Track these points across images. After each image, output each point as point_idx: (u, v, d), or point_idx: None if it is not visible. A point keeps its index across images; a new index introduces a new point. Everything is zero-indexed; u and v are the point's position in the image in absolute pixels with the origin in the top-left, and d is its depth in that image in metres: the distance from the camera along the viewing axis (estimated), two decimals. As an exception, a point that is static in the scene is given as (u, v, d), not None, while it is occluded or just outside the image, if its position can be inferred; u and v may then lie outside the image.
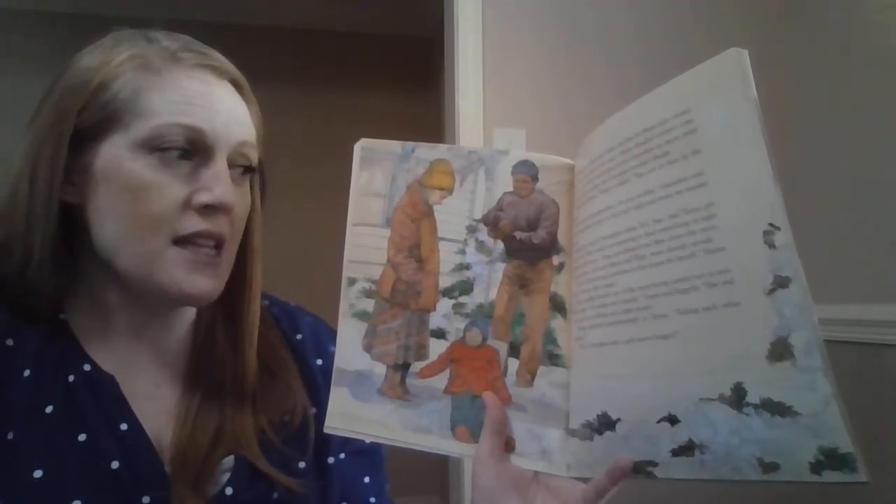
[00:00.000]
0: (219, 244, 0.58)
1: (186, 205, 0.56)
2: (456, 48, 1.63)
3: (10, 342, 0.56)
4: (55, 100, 0.57)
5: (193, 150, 0.56)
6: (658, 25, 1.71)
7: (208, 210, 0.57)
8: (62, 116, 0.56)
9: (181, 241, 0.56)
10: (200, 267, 0.57)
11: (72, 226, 0.58)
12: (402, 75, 3.28)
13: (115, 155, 0.56)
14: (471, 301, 0.58)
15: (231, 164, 0.59)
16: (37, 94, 0.59)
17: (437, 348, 0.58)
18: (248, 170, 0.62)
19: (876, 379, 1.36)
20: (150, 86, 0.56)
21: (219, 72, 0.60)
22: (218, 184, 0.56)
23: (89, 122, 0.56)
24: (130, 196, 0.55)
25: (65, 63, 0.59)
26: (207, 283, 0.58)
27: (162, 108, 0.55)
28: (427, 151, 0.60)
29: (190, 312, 0.66)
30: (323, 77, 3.21)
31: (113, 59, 0.57)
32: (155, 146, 0.55)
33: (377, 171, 0.60)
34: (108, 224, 0.57)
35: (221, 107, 0.58)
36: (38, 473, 0.52)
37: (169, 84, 0.56)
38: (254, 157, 0.62)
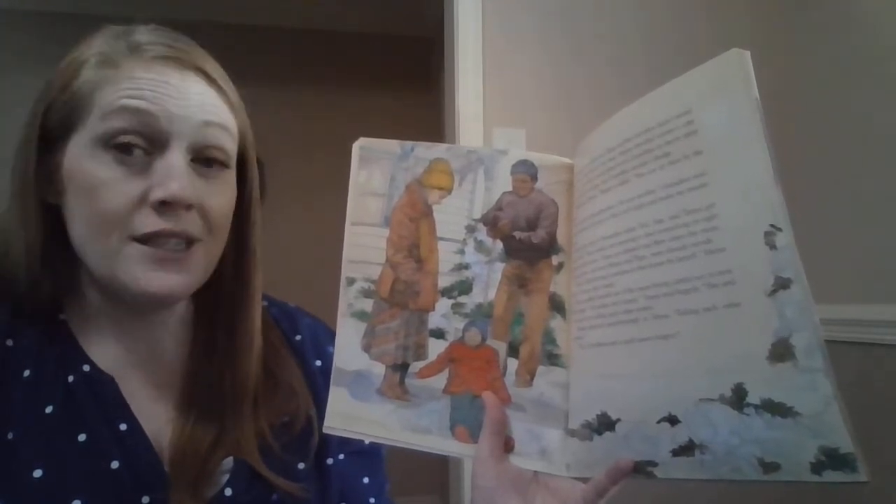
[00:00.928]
0: (188, 241, 0.56)
1: (142, 201, 0.54)
2: (456, 48, 1.63)
3: (9, 342, 0.56)
4: (34, 102, 0.58)
5: (148, 140, 0.54)
6: (659, 25, 1.71)
7: (165, 207, 0.54)
8: (32, 118, 0.57)
9: (140, 239, 0.54)
10: (161, 263, 0.55)
11: (62, 226, 0.58)
12: (402, 75, 3.28)
13: (77, 154, 0.55)
14: (470, 301, 0.58)
15: (199, 156, 0.57)
16: (36, 95, 0.59)
17: (436, 348, 0.58)
18: (221, 160, 0.59)
19: (876, 379, 1.36)
20: (107, 80, 0.55)
21: (181, 63, 0.57)
22: (171, 178, 0.54)
23: (54, 121, 0.56)
24: (87, 194, 0.54)
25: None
26: (171, 280, 0.55)
27: (114, 100, 0.54)
28: (426, 151, 0.60)
29: (177, 310, 0.64)
30: (323, 77, 3.21)
31: (78, 57, 0.57)
32: (109, 140, 0.54)
33: (376, 170, 0.60)
34: (75, 224, 0.56)
35: (176, 92, 0.55)
36: (37, 473, 0.52)
37: (123, 77, 0.55)
38: (226, 142, 0.59)
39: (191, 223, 0.56)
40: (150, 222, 0.54)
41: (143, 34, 0.58)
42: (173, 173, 0.54)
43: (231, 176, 0.61)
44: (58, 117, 0.56)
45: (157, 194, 0.54)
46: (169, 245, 0.55)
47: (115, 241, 0.54)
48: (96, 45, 0.58)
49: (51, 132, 0.56)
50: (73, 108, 0.55)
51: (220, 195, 0.59)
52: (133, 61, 0.55)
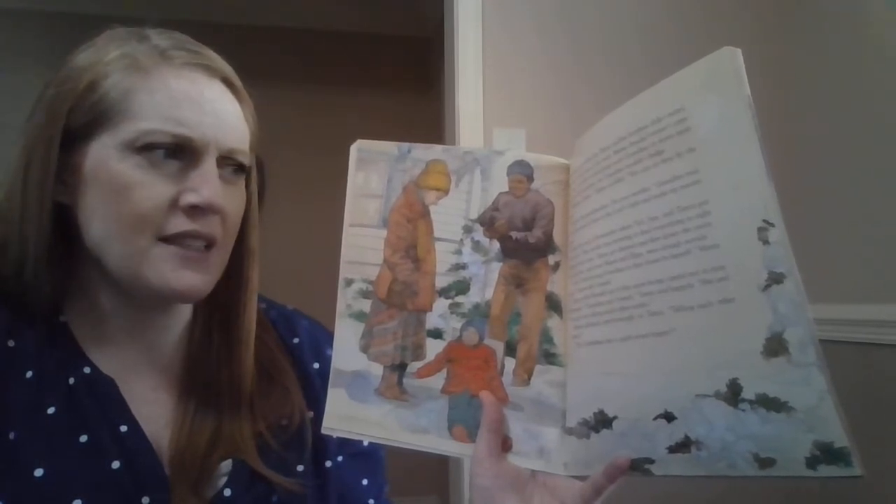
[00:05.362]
0: (209, 244, 0.58)
1: (173, 205, 0.56)
2: (456, 48, 1.63)
3: (11, 343, 0.56)
4: (47, 100, 0.57)
5: (180, 151, 0.56)
6: (659, 25, 1.71)
7: (195, 211, 0.56)
8: (53, 117, 0.56)
9: (168, 239, 0.56)
10: (188, 263, 0.57)
11: (67, 226, 0.58)
12: (402, 75, 3.28)
13: (103, 155, 0.56)
14: (467, 301, 0.58)
15: (222, 164, 0.59)
16: (35, 94, 0.59)
17: (433, 348, 0.58)
18: (240, 168, 0.61)
19: (875, 379, 1.36)
20: (139, 86, 0.56)
21: (210, 70, 0.59)
22: (205, 184, 0.56)
23: (79, 122, 0.56)
24: (116, 195, 0.55)
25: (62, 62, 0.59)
26: (195, 279, 0.58)
27: (150, 109, 0.55)
28: (423, 152, 0.61)
29: (184, 314, 0.66)
30: (323, 77, 3.21)
31: (102, 58, 0.57)
32: (142, 147, 0.55)
33: (373, 171, 0.61)
34: (96, 223, 0.57)
35: (211, 108, 0.57)
36: (38, 473, 0.52)
37: (157, 85, 0.56)
38: (245, 157, 0.61)
39: (214, 226, 0.58)
40: (178, 223, 0.56)
41: (162, 38, 0.59)
42: (208, 181, 0.56)
43: (243, 181, 0.63)
44: (84, 119, 0.56)
45: (192, 199, 0.56)
46: (193, 245, 0.57)
47: (144, 242, 0.56)
48: (116, 47, 0.58)
49: (72, 132, 0.56)
50: (103, 112, 0.56)
51: (236, 199, 0.61)
52: (164, 68, 0.57)
